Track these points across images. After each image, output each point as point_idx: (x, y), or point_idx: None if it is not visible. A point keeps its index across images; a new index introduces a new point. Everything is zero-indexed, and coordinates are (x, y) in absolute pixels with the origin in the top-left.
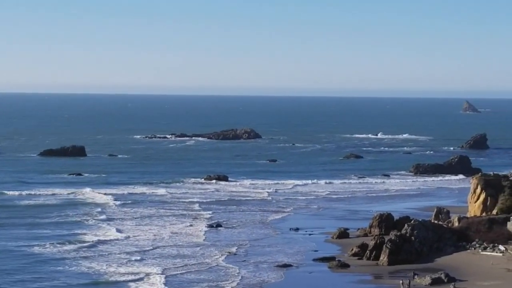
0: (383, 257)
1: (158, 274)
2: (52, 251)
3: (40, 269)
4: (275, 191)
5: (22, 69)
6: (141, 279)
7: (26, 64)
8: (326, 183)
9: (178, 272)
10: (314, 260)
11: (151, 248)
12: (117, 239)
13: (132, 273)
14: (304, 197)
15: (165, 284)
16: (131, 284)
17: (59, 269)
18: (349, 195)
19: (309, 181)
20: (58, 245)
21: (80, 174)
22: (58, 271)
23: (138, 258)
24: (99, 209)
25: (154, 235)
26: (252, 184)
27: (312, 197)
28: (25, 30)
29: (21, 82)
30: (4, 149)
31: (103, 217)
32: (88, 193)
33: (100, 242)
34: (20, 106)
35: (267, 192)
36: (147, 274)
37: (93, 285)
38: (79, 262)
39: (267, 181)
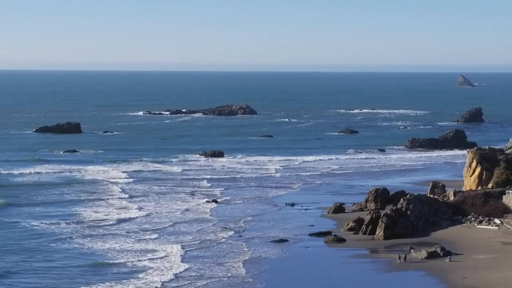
0: (379, 232)
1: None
2: (75, 228)
3: (62, 248)
4: (285, 167)
5: (17, 46)
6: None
7: (23, 41)
8: (330, 159)
9: (192, 248)
10: (310, 235)
11: (166, 225)
12: (137, 217)
13: (147, 250)
14: (308, 173)
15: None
16: (147, 261)
17: (82, 246)
18: (345, 170)
19: (315, 157)
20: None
21: (75, 151)
22: (80, 249)
23: (155, 236)
24: (112, 186)
25: (168, 212)
26: (257, 160)
27: (317, 172)
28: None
29: (17, 60)
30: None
31: (123, 195)
32: (92, 170)
33: (121, 220)
34: (16, 83)
35: (274, 168)
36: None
37: (103, 266)
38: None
39: (276, 157)
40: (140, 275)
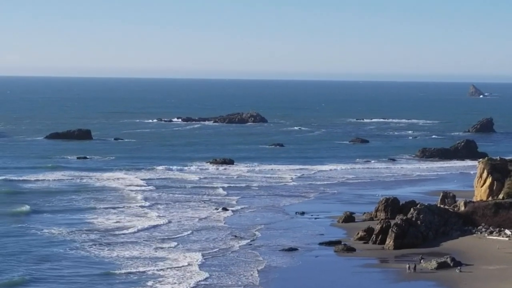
0: (389, 241)
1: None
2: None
3: (83, 256)
4: (298, 177)
5: (28, 52)
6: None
7: (34, 47)
8: (340, 168)
9: (208, 257)
10: (320, 244)
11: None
12: (157, 225)
13: (165, 258)
14: (319, 182)
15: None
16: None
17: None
18: (356, 180)
19: (325, 167)
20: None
21: (87, 158)
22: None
23: (173, 244)
24: (133, 194)
25: (186, 220)
26: (269, 168)
27: (327, 182)
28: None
29: (28, 65)
30: (10, 133)
31: (142, 202)
32: (109, 177)
33: (140, 228)
34: (26, 89)
35: (287, 177)
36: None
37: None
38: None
39: (287, 166)
40: (158, 285)
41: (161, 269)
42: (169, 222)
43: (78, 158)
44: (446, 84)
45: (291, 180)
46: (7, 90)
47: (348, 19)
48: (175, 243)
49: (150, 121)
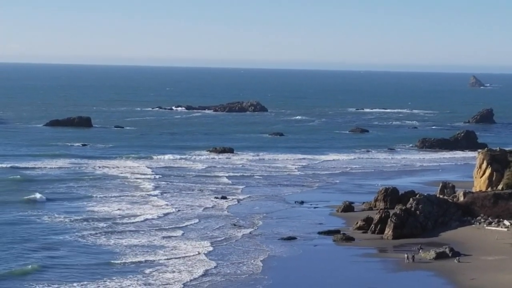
0: (388, 231)
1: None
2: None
3: (103, 243)
4: (303, 166)
5: (28, 40)
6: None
7: (34, 35)
8: (340, 158)
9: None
10: (319, 233)
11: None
12: (165, 213)
13: (171, 247)
14: (319, 172)
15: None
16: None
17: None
18: (355, 170)
19: (325, 156)
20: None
21: (90, 145)
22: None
23: (180, 233)
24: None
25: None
26: (270, 158)
27: (328, 172)
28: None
29: (28, 53)
30: (10, 119)
31: (150, 191)
32: (114, 165)
33: (145, 216)
34: (27, 76)
35: (288, 166)
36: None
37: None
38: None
39: (287, 155)
40: (162, 274)
41: (168, 258)
42: (177, 210)
43: (83, 145)
44: (447, 74)
45: (296, 170)
46: (7, 77)
47: (350, 9)
48: (181, 232)
49: (150, 109)
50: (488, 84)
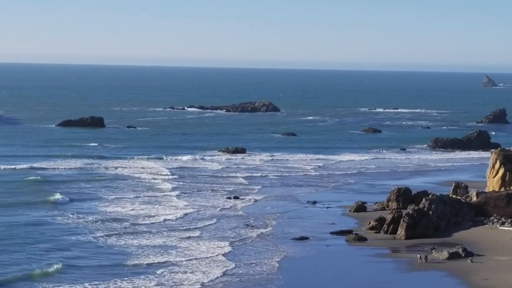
0: (401, 231)
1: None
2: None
3: (124, 243)
4: (319, 167)
5: (40, 40)
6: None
7: (46, 35)
8: (353, 159)
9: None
10: (332, 233)
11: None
12: (183, 214)
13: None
14: (333, 172)
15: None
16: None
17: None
18: (370, 170)
19: (337, 157)
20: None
21: (102, 145)
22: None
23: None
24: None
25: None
26: (283, 158)
27: (341, 172)
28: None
29: (40, 53)
30: (23, 119)
31: (168, 192)
32: (130, 165)
33: (164, 217)
34: (39, 77)
35: (311, 167)
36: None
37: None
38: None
39: (300, 155)
40: (181, 274)
41: (186, 260)
42: (196, 211)
43: (99, 145)
44: (460, 74)
45: (312, 171)
46: (18, 77)
47: (362, 8)
48: (199, 232)
49: (162, 109)
50: (501, 84)
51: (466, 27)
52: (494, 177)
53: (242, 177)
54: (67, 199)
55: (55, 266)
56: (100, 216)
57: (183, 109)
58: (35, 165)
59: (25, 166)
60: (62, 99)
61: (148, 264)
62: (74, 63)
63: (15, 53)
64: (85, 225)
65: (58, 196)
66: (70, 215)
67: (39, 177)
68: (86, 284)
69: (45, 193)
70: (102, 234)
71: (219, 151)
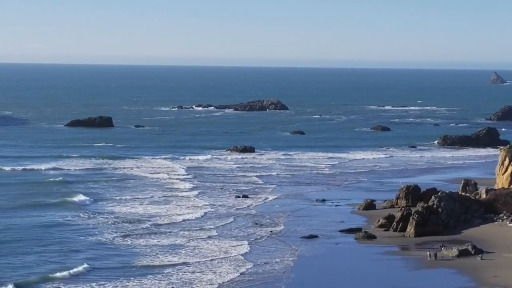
0: (410, 229)
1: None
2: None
3: (135, 244)
4: (332, 165)
5: (49, 40)
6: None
7: (55, 35)
8: (363, 157)
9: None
10: (341, 231)
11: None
12: (202, 214)
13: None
14: (342, 170)
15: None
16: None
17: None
18: (383, 168)
19: (347, 155)
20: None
21: (114, 145)
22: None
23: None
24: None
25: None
26: (292, 157)
27: (351, 170)
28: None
29: (48, 53)
30: (32, 120)
31: (194, 192)
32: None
33: (182, 217)
34: (47, 77)
35: (311, 165)
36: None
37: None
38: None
39: (309, 154)
40: (199, 274)
41: (209, 259)
42: (212, 210)
43: (110, 145)
44: (468, 71)
45: (326, 169)
46: (25, 78)
47: (368, 5)
48: (216, 232)
49: (170, 108)
50: (510, 81)
51: (475, 24)
52: (504, 174)
53: (255, 176)
54: (92, 199)
55: (80, 267)
56: (121, 216)
57: (191, 108)
58: (49, 165)
59: (42, 167)
60: (70, 99)
61: (167, 264)
62: (80, 63)
63: (27, 53)
64: (106, 226)
65: (82, 197)
66: (96, 216)
67: (60, 178)
68: (109, 285)
69: (67, 194)
70: (122, 234)
71: (228, 150)
